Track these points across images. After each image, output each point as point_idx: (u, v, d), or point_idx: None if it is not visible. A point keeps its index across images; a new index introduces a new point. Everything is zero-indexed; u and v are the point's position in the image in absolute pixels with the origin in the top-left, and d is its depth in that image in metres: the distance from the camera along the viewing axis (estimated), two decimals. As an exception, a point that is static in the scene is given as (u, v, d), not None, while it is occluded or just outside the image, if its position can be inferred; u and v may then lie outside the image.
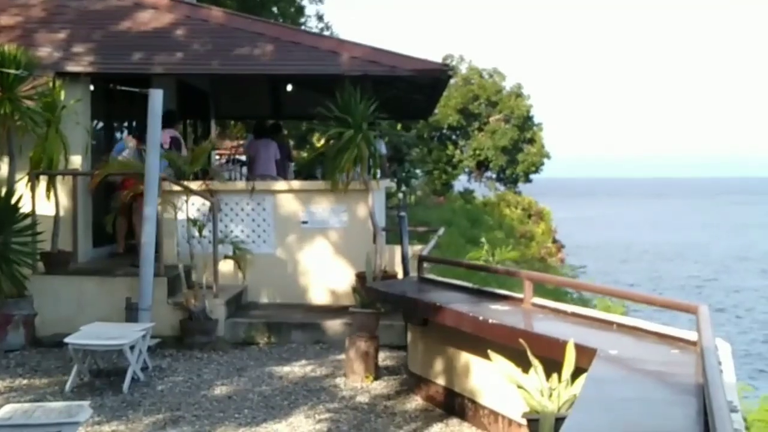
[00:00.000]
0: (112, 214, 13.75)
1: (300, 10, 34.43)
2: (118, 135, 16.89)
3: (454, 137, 58.06)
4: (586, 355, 6.10)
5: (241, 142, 22.36)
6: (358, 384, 10.30)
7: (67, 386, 9.91)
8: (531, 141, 58.69)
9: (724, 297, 43.45)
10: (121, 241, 14.28)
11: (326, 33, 34.25)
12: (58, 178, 13.31)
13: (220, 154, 18.29)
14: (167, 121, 16.40)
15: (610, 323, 7.38)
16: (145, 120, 12.41)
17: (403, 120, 32.95)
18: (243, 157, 19.31)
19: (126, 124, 17.14)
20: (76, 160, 13.66)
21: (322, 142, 14.81)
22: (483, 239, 21.46)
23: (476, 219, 34.07)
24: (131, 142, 14.27)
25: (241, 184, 14.59)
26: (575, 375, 6.18)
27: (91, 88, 14.36)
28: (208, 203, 13.28)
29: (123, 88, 15.21)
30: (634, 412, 4.79)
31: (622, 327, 7.17)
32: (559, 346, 6.45)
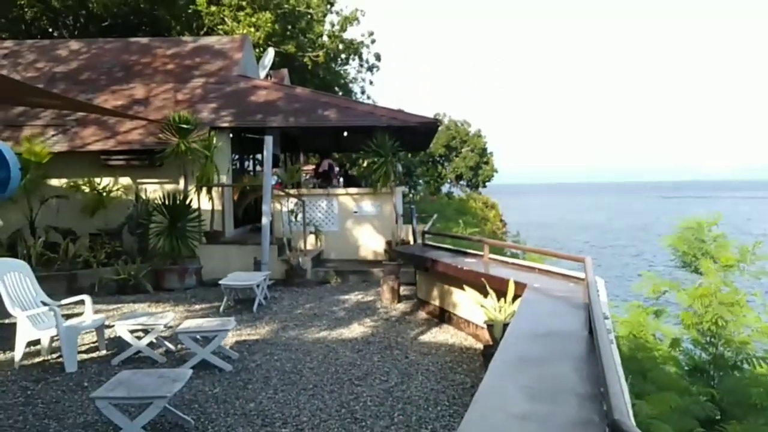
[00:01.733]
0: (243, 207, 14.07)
1: (350, 92, 34.54)
2: (246, 163, 17.01)
3: (441, 161, 58.21)
4: (520, 287, 6.16)
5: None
6: (389, 305, 10.35)
7: (221, 309, 10.04)
8: (486, 163, 59.09)
9: (605, 253, 43.15)
10: None
11: (366, 101, 34.50)
12: (213, 188, 13.42)
13: (306, 172, 18.32)
14: (325, 154, 16.69)
15: (534, 269, 7.41)
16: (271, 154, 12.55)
17: (411, 151, 32.89)
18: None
19: (251, 156, 17.22)
20: (223, 178, 13.73)
21: (366, 164, 14.86)
22: (461, 221, 21.50)
23: (461, 210, 34.04)
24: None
25: (319, 191, 14.65)
26: (514, 299, 6.24)
27: (230, 135, 14.45)
28: (299, 201, 13.41)
29: (249, 135, 15.27)
30: (549, 319, 4.83)
31: (541, 271, 7.20)
32: (505, 282, 6.51)
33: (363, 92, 35.71)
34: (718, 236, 11.96)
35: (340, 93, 31.94)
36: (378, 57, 33.67)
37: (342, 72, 34.03)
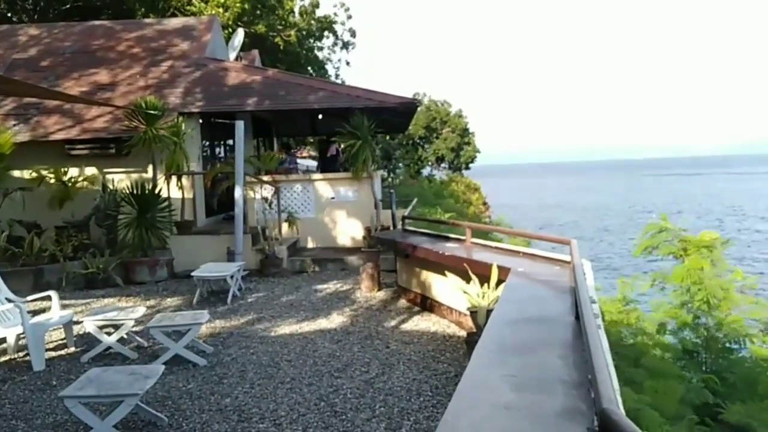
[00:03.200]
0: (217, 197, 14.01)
1: (323, 67, 34.32)
2: (217, 149, 16.86)
3: (421, 143, 58.08)
4: (504, 271, 6.15)
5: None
6: (368, 294, 10.33)
7: (194, 301, 9.98)
8: (468, 143, 58.96)
9: (592, 232, 43.42)
10: None
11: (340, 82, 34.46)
12: (183, 176, 13.30)
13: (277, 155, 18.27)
14: (330, 141, 16.94)
15: (518, 252, 7.40)
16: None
17: (390, 133, 32.88)
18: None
19: (222, 142, 17.08)
20: (193, 166, 13.63)
21: (342, 148, 14.80)
22: (438, 208, 21.56)
23: (437, 193, 34.06)
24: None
25: (295, 176, 14.55)
26: (498, 284, 6.23)
27: (200, 121, 14.32)
28: (273, 188, 13.33)
29: (219, 120, 15.14)
30: (534, 305, 4.82)
31: (525, 254, 7.19)
32: (488, 267, 6.48)
33: (337, 76, 35.53)
34: (682, 230, 12.19)
35: (313, 72, 31.78)
36: (353, 33, 33.32)
37: (316, 49, 33.77)
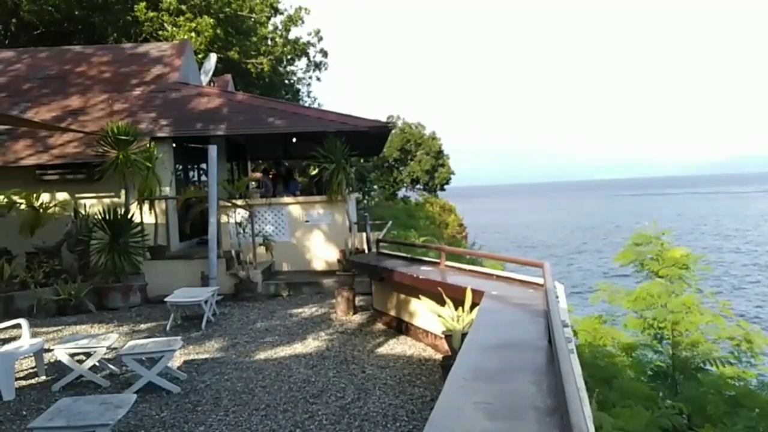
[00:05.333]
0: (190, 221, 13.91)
1: (298, 92, 34.48)
2: (191, 174, 16.76)
3: (396, 165, 58.29)
4: (478, 295, 6.15)
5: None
6: (344, 317, 10.28)
7: (167, 327, 9.86)
8: (442, 165, 59.32)
9: (563, 252, 43.67)
10: None
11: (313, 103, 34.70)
12: (156, 201, 13.19)
13: (254, 181, 18.15)
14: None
15: (492, 275, 7.41)
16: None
17: (364, 156, 32.89)
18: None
19: (196, 166, 17.00)
20: (166, 190, 13.53)
21: (315, 171, 14.73)
22: (413, 229, 21.54)
23: (412, 215, 34.08)
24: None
25: (268, 200, 14.49)
26: (472, 307, 6.23)
27: (173, 145, 14.23)
28: (247, 212, 13.26)
29: (192, 145, 15.06)
30: (508, 328, 4.82)
31: (499, 278, 7.20)
32: (462, 290, 6.49)
33: (309, 95, 35.66)
34: (664, 243, 12.25)
35: (287, 96, 31.83)
36: (325, 54, 33.48)
37: (288, 73, 33.88)
